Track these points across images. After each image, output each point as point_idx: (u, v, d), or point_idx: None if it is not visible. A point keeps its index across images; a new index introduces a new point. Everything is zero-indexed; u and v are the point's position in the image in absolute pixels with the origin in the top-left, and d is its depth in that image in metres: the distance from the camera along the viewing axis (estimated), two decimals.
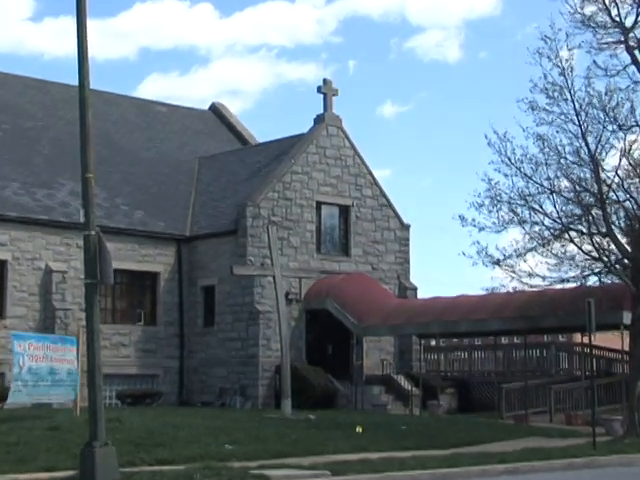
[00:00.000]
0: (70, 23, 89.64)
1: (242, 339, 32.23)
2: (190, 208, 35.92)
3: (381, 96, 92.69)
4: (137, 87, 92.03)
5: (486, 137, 24.98)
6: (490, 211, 25.31)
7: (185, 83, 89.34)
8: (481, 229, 25.51)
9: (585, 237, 24.68)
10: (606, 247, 24.59)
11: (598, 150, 24.27)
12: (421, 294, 36.36)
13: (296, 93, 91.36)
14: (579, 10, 24.09)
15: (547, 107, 24.40)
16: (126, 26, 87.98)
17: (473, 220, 25.51)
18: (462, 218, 25.62)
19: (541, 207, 25.00)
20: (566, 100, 24.23)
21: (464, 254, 25.71)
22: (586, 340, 26.90)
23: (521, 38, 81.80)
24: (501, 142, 24.83)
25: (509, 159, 24.83)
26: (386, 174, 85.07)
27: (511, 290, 26.15)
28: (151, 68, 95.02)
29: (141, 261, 33.22)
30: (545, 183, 24.83)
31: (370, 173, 36.01)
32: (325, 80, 35.57)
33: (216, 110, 45.29)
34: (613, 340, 29.58)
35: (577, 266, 24.91)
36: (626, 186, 24.28)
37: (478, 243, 25.48)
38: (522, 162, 24.94)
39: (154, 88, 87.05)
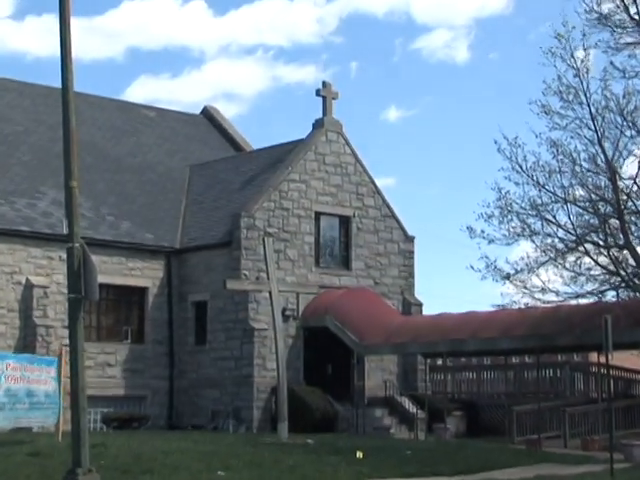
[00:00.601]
0: (54, 22, 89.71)
1: (236, 358, 32.17)
2: (180, 219, 35.89)
3: (385, 100, 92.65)
4: (125, 90, 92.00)
5: (496, 143, 25.08)
6: (500, 222, 25.40)
7: (176, 86, 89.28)
8: (490, 241, 25.58)
9: (602, 249, 24.69)
10: (624, 260, 24.59)
11: (615, 157, 24.34)
12: (427, 310, 36.35)
13: (294, 97, 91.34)
14: (595, 8, 24.17)
15: (561, 111, 24.54)
16: (114, 25, 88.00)
17: (482, 232, 25.62)
18: (470, 230, 25.73)
19: (554, 218, 25.07)
20: (581, 104, 24.31)
21: (472, 268, 25.80)
22: (603, 360, 26.82)
23: (534, 38, 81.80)
24: (512, 148, 24.91)
25: (520, 166, 24.89)
26: (390, 183, 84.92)
27: (523, 306, 26.15)
28: (140, 70, 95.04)
29: (128, 275, 33.17)
30: (559, 192, 24.90)
31: (372, 182, 36.02)
32: (324, 83, 35.60)
33: (208, 114, 45.33)
34: (632, 360, 29.52)
35: (593, 280, 24.93)
36: None
37: (487, 257, 25.55)
38: (534, 170, 25.03)
39: (143, 91, 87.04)
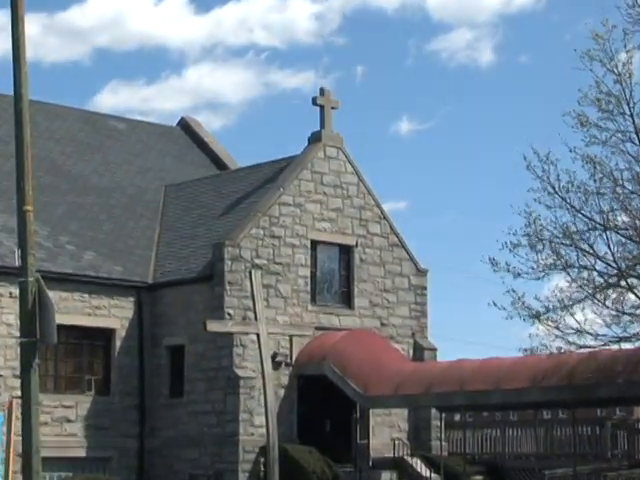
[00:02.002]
0: (7, 17, 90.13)
1: (218, 412, 32.05)
2: (153, 249, 35.87)
3: (395, 110, 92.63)
4: (92, 98, 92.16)
5: (525, 159, 25.07)
6: (529, 253, 25.38)
7: (152, 93, 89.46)
8: (517, 275, 25.55)
9: None
10: None
11: None
12: (442, 356, 36.35)
13: (290, 107, 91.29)
14: (639, 4, 24.21)
15: (600, 123, 24.48)
16: (79, 22, 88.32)
17: (507, 264, 25.59)
18: (493, 261, 25.71)
19: (592, 247, 25.00)
20: (623, 114, 24.31)
21: (496, 305, 25.75)
22: None
23: (570, 38, 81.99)
24: (543, 165, 24.89)
25: (553, 187, 24.87)
26: (400, 207, 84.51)
27: (555, 351, 26.06)
28: (110, 74, 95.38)
29: (92, 315, 33.08)
30: (597, 217, 24.87)
31: (378, 205, 36.03)
32: (322, 90, 35.65)
33: (187, 126, 45.39)
34: None
35: (638, 321, 24.83)
36: None
37: (513, 292, 25.51)
38: (568, 191, 25.01)
39: (113, 100, 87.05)
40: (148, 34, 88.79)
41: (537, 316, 25.45)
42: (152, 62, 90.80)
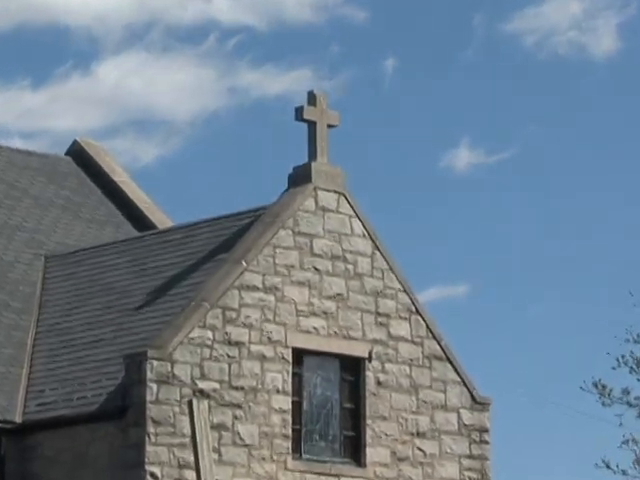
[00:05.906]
0: None
1: None
2: (24, 366, 35.79)
3: (448, 131, 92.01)
4: None
5: None
6: None
7: (42, 102, 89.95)
8: None
9: None
10: None
11: None
12: None
13: (273, 125, 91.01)
14: None
15: None
16: None
17: (626, 392, 25.53)
18: (602, 387, 25.62)
19: None
20: None
21: (608, 467, 25.66)
22: None
23: None
24: None
25: None
26: (455, 294, 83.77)
27: None
28: None
29: None
30: None
31: (408, 290, 35.91)
32: (313, 95, 35.55)
33: (84, 157, 45.37)
34: None
35: None
36: None
37: (636, 443, 25.45)
38: None
39: None
40: (38, 6, 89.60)
41: None
42: (44, 51, 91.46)
